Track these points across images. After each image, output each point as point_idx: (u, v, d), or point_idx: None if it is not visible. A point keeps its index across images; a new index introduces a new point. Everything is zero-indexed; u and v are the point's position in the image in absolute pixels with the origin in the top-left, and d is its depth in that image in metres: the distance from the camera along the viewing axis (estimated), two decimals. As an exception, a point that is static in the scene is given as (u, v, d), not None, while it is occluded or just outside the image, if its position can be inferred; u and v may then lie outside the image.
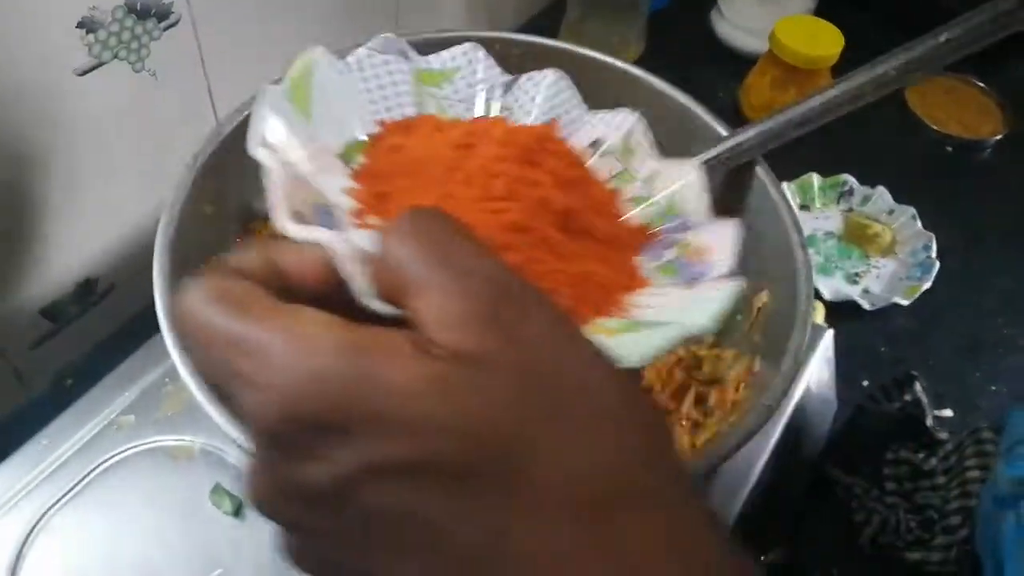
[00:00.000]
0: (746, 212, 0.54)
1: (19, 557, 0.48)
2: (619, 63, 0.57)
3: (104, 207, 0.66)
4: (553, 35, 1.03)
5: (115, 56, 0.60)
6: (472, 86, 0.44)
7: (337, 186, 0.30)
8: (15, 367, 0.66)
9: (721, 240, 0.37)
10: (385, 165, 0.32)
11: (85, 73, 0.59)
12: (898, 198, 0.87)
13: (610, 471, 0.19)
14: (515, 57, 0.59)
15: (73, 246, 0.65)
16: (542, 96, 0.44)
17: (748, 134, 0.52)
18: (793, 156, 0.92)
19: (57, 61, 0.56)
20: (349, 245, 0.21)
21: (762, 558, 0.54)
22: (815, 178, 0.88)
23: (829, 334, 0.61)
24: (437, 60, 0.41)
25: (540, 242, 0.29)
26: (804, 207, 0.88)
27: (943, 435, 0.71)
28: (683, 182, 0.44)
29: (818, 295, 0.79)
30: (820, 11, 1.02)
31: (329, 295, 0.22)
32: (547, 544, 0.19)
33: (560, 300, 0.29)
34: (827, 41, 0.89)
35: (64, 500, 0.50)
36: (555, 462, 0.19)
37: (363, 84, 0.35)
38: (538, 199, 0.30)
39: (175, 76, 0.65)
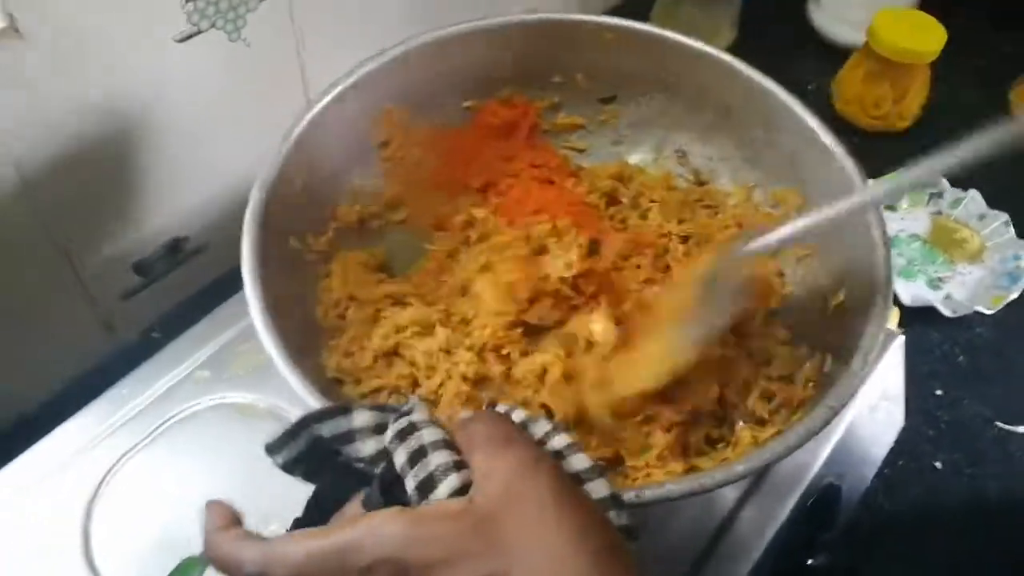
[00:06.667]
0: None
1: (95, 496, 0.51)
2: (713, 51, 0.57)
3: (196, 170, 0.69)
4: (645, 19, 1.02)
5: (212, 25, 0.62)
6: None
7: None
8: (105, 318, 0.70)
9: None
10: None
11: (184, 40, 0.61)
12: (992, 203, 0.84)
13: None
14: (608, 41, 0.59)
15: (165, 206, 0.68)
16: None
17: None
18: (881, 152, 0.90)
19: (158, 27, 0.59)
20: None
21: (809, 562, 0.54)
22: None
23: (900, 340, 0.60)
24: None
25: None
26: (889, 207, 0.85)
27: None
28: None
29: (895, 299, 0.76)
30: (925, 5, 0.98)
31: None
32: None
33: None
34: (928, 36, 0.85)
35: (139, 446, 0.53)
36: None
37: None
38: None
39: (269, 47, 0.67)
